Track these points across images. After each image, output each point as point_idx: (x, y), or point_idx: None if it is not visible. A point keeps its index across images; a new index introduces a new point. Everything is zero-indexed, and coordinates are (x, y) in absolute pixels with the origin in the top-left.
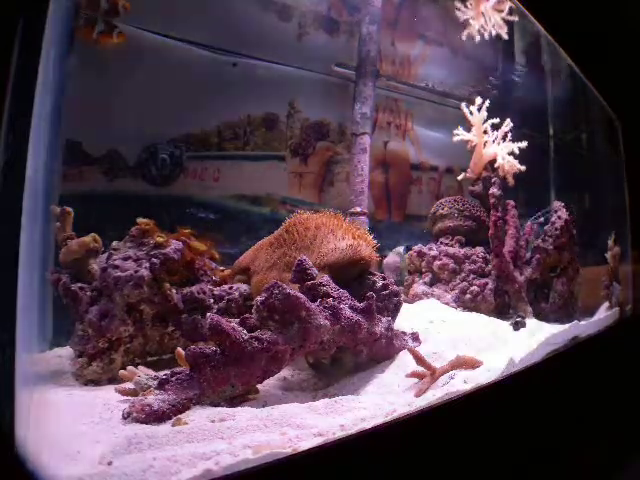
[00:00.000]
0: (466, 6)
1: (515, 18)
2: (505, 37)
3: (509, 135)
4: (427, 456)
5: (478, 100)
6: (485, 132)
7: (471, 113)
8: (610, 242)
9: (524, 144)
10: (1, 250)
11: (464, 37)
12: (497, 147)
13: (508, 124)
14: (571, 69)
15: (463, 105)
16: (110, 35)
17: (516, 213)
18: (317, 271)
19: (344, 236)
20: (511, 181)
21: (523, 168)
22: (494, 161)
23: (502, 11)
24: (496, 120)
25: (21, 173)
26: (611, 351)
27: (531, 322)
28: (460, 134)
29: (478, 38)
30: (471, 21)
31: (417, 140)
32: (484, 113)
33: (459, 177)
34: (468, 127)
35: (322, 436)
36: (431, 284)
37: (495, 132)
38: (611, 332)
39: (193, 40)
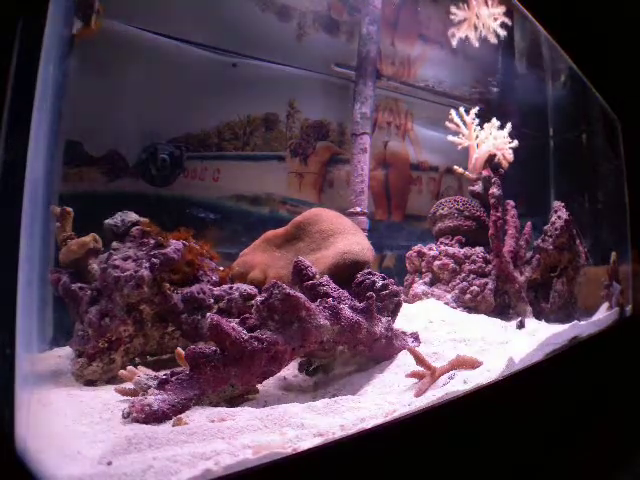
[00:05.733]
0: (461, 8)
1: (503, 33)
2: (495, 42)
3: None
4: (427, 456)
5: (461, 109)
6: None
7: (458, 125)
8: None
9: (508, 127)
10: (1, 250)
11: (454, 42)
12: (489, 143)
13: (494, 123)
14: (571, 69)
15: (447, 123)
16: (88, 26)
17: (516, 213)
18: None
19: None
20: (505, 165)
21: (515, 144)
22: (492, 159)
23: (497, 19)
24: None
25: (21, 173)
26: (611, 351)
27: (531, 322)
28: (454, 140)
29: (456, 41)
30: (464, 24)
31: (417, 140)
32: (469, 118)
33: (456, 167)
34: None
35: (322, 436)
36: (431, 284)
37: (482, 131)
38: (611, 332)
39: (193, 40)
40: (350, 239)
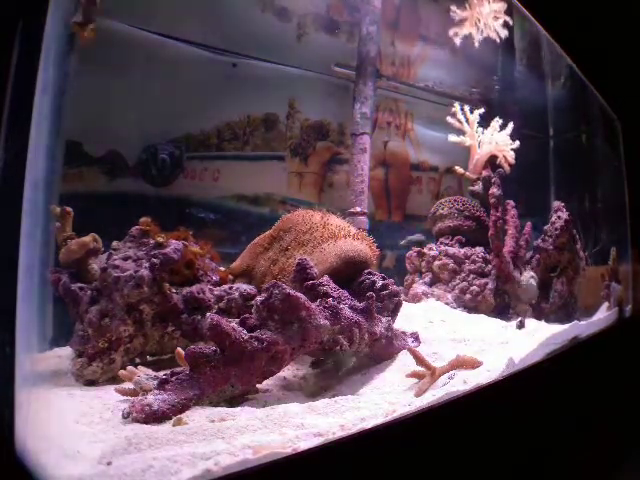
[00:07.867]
0: (463, 8)
1: (505, 32)
2: (497, 40)
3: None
4: (427, 456)
5: (466, 107)
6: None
7: (460, 122)
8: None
9: (510, 126)
10: (1, 250)
11: (457, 40)
12: (491, 144)
13: (498, 121)
14: (571, 69)
15: (448, 118)
16: (84, 28)
17: (516, 213)
18: (316, 271)
19: (344, 237)
20: (507, 168)
21: (516, 144)
22: (493, 159)
23: (499, 18)
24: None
25: (21, 173)
26: (611, 351)
27: (531, 322)
28: (454, 139)
29: (458, 41)
30: (465, 23)
31: (417, 140)
32: (473, 117)
33: (456, 167)
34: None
35: (322, 436)
36: (431, 284)
37: (484, 130)
38: (611, 332)
39: (193, 40)
40: (350, 239)
